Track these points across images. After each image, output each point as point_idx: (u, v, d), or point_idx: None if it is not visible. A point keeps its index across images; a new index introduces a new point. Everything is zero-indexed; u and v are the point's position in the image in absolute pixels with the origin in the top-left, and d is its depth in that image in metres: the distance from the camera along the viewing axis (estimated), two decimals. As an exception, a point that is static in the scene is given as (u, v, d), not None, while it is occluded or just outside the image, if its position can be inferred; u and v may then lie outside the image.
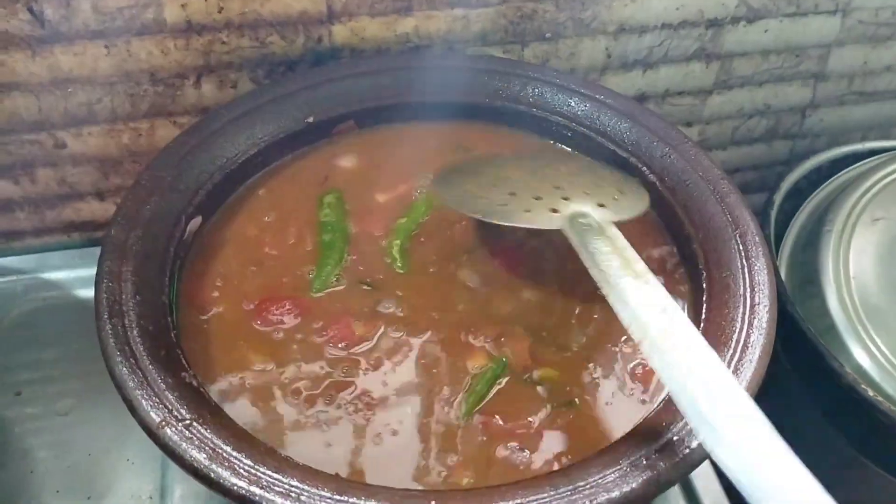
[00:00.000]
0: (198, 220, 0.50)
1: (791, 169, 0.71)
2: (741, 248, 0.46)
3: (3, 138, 0.60)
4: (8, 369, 0.59)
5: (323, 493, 0.35)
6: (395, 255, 0.50)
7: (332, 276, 0.48)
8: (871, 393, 0.55)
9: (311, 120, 0.55)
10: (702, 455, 0.37)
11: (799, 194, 0.71)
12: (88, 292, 0.64)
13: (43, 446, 0.55)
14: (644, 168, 0.53)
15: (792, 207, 0.70)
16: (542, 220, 0.45)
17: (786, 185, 0.69)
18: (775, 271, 0.54)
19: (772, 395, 0.72)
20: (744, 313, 0.43)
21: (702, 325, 0.45)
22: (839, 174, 0.71)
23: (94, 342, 0.60)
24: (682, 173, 0.51)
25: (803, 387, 0.65)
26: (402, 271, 0.49)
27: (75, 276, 0.65)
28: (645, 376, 0.44)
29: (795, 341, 0.60)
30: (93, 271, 0.63)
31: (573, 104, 0.56)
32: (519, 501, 0.35)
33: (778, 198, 0.68)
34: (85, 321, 0.62)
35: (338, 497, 0.35)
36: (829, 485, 0.68)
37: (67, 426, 0.56)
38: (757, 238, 0.47)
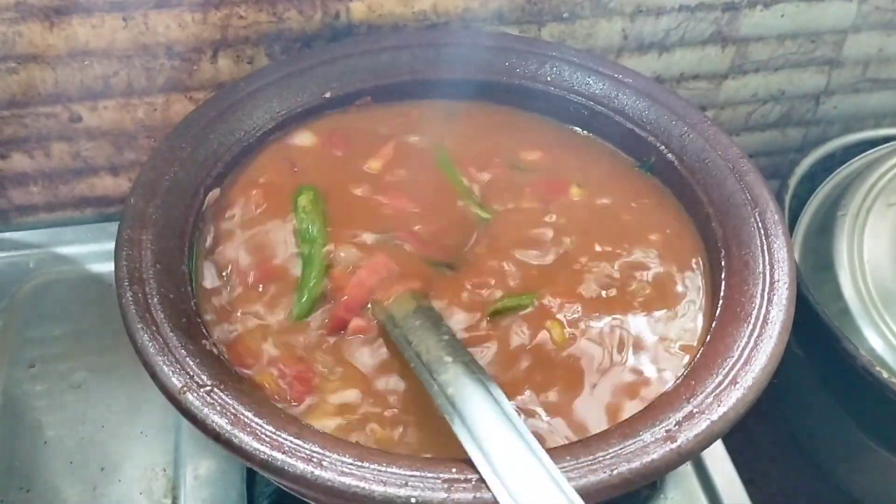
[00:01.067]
0: (216, 192, 0.50)
1: (805, 155, 0.71)
2: (760, 225, 0.46)
3: (20, 111, 0.60)
4: (21, 342, 0.59)
5: (345, 458, 0.35)
6: None
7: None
8: (885, 375, 0.55)
9: (328, 95, 0.55)
10: (723, 427, 0.37)
11: (812, 180, 0.71)
12: (101, 267, 0.65)
13: (56, 418, 0.55)
14: (662, 147, 0.53)
15: (805, 193, 0.70)
16: None
17: (800, 170, 0.69)
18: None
19: (783, 380, 0.72)
20: (763, 290, 0.43)
21: (720, 302, 0.45)
22: (853, 160, 0.71)
23: (107, 316, 0.60)
24: (701, 152, 0.51)
25: (815, 372, 0.65)
26: None
27: (88, 251, 0.65)
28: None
29: (808, 325, 0.60)
30: (106, 247, 0.63)
31: (591, 83, 0.56)
32: (540, 470, 0.35)
33: (792, 182, 0.68)
34: (98, 295, 0.63)
35: (359, 463, 0.35)
36: (840, 469, 0.69)
37: (80, 399, 0.56)
38: (776, 216, 0.47)
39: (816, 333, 0.59)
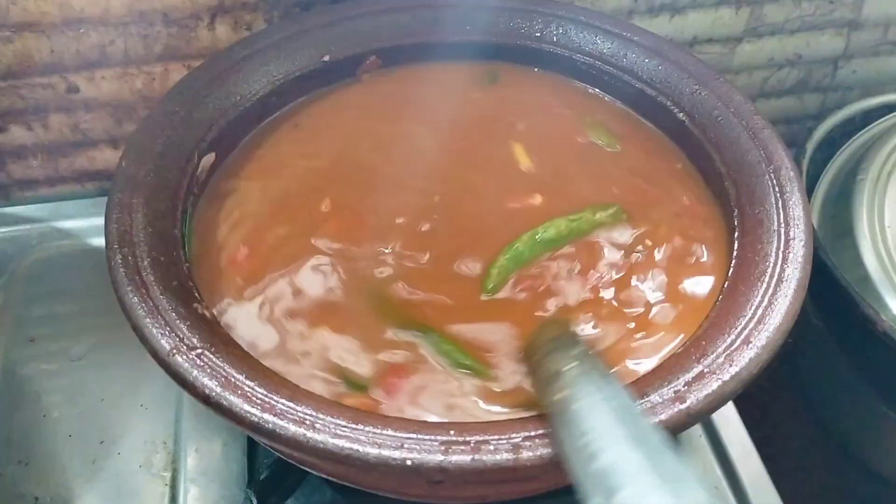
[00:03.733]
0: (211, 156, 0.48)
1: (823, 119, 0.69)
2: (775, 183, 0.44)
3: (16, 81, 0.59)
4: (21, 317, 0.59)
5: (338, 421, 0.34)
6: None
7: None
8: (907, 341, 0.53)
9: (326, 59, 0.54)
10: (735, 387, 0.35)
11: (831, 146, 0.69)
12: (102, 241, 0.63)
13: (56, 391, 0.54)
14: (673, 107, 0.51)
15: (823, 160, 0.68)
16: None
17: (818, 134, 0.67)
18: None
19: (801, 353, 0.71)
20: (778, 248, 0.41)
21: (733, 262, 0.43)
22: (873, 124, 0.68)
23: (107, 290, 0.59)
24: (714, 110, 0.49)
25: (835, 342, 0.63)
26: None
27: (89, 224, 0.64)
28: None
29: (827, 293, 0.58)
30: (107, 221, 0.63)
31: (599, 42, 0.54)
32: (540, 431, 0.34)
33: (810, 146, 0.65)
34: (99, 269, 0.61)
35: (353, 426, 0.34)
36: (858, 441, 0.67)
37: (80, 372, 0.55)
38: (792, 173, 0.45)
39: (836, 301, 0.57)
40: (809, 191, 0.65)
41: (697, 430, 0.53)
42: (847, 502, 0.67)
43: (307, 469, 0.41)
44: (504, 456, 0.33)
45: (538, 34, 0.55)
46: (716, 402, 0.35)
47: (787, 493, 0.51)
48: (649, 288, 0.43)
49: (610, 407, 0.31)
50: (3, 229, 0.64)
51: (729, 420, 0.53)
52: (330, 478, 0.41)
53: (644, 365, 0.40)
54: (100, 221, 0.63)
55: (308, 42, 0.53)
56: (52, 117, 0.62)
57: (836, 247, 0.60)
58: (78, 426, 0.53)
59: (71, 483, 0.50)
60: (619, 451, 0.28)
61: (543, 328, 0.40)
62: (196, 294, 0.40)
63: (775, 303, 0.39)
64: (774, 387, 0.73)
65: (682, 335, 0.41)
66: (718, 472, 0.51)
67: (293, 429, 0.34)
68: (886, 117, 0.68)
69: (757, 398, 0.73)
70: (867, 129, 0.68)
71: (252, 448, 0.51)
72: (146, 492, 0.50)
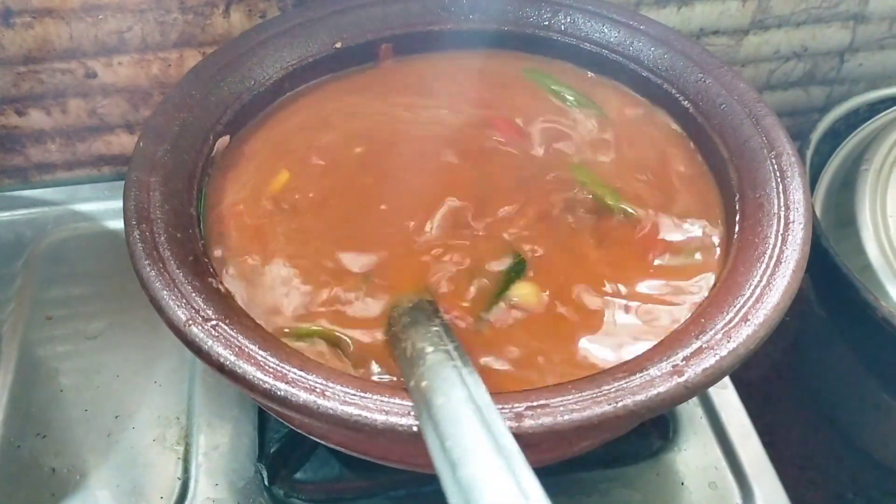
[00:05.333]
0: (225, 138, 0.50)
1: (828, 111, 0.69)
2: (776, 168, 0.45)
3: (36, 66, 0.61)
4: (39, 296, 0.60)
5: (347, 389, 0.35)
6: None
7: None
8: (907, 327, 0.54)
9: (338, 45, 0.55)
10: (732, 362, 0.36)
11: (835, 138, 0.69)
12: (119, 223, 0.64)
13: (72, 368, 0.56)
14: (678, 94, 0.52)
15: (828, 151, 0.69)
16: None
17: (823, 125, 0.68)
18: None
19: (804, 342, 0.71)
20: (777, 230, 0.42)
21: (734, 244, 0.44)
22: (878, 116, 0.69)
23: (122, 270, 0.60)
24: (718, 97, 0.50)
25: (837, 331, 0.64)
26: None
27: (105, 207, 0.66)
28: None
29: (829, 282, 0.58)
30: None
31: (606, 31, 0.55)
32: (543, 401, 0.35)
33: (815, 137, 0.66)
34: (114, 251, 0.63)
35: (362, 394, 0.35)
36: (860, 429, 0.67)
37: (96, 349, 0.57)
38: (793, 158, 0.45)
39: (837, 289, 0.58)
40: (813, 181, 0.66)
41: (698, 412, 0.54)
42: (848, 489, 0.68)
43: (316, 439, 0.42)
44: (507, 424, 0.34)
45: (546, 23, 0.56)
46: (713, 377, 0.36)
47: (788, 481, 0.51)
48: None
49: (472, 409, 0.32)
50: (21, 212, 0.66)
51: (728, 400, 0.54)
52: (338, 447, 0.42)
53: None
54: (116, 204, 0.65)
55: (320, 29, 0.55)
56: (70, 102, 0.64)
57: (838, 235, 0.61)
58: (94, 401, 0.54)
59: (87, 455, 0.51)
60: (481, 463, 0.29)
61: (401, 297, 0.41)
62: (210, 269, 0.42)
63: (773, 282, 0.40)
64: (777, 376, 0.74)
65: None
66: (718, 451, 0.52)
67: (304, 396, 0.35)
68: (891, 109, 0.69)
69: (759, 387, 0.74)
70: (872, 120, 0.69)
71: (262, 423, 0.52)
72: (159, 464, 0.51)
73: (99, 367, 0.56)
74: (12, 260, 0.62)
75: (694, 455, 0.52)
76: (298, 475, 0.50)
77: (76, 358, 0.56)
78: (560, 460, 0.43)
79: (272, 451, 0.50)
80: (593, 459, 0.50)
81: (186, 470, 0.51)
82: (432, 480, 0.48)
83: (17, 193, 0.67)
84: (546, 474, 0.49)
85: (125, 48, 0.61)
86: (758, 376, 0.75)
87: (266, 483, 0.49)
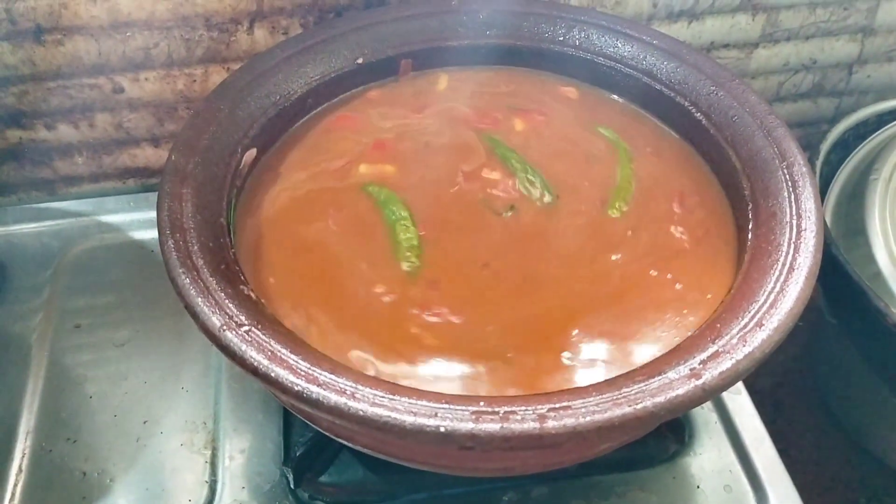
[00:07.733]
0: (252, 151, 0.51)
1: (837, 122, 0.71)
2: (788, 178, 0.47)
3: (65, 82, 0.63)
4: (67, 305, 0.62)
5: (377, 392, 0.36)
6: None
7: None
8: (916, 333, 0.55)
9: (360, 61, 0.57)
10: (748, 366, 0.38)
11: (845, 148, 0.71)
12: (144, 234, 0.67)
13: (100, 375, 0.57)
14: (690, 107, 0.53)
15: (837, 160, 0.70)
16: None
17: (832, 136, 0.69)
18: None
19: (816, 351, 0.72)
20: (790, 238, 0.43)
21: (748, 253, 0.45)
22: (887, 126, 0.70)
23: (148, 280, 0.63)
24: (729, 109, 0.51)
25: (849, 339, 0.65)
26: None
27: (130, 219, 0.68)
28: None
29: (840, 290, 0.60)
30: (147, 215, 0.66)
31: (619, 45, 0.56)
32: (564, 404, 0.36)
33: (824, 147, 0.67)
34: (140, 261, 0.65)
35: (391, 396, 0.36)
36: (871, 436, 0.68)
37: (124, 357, 0.59)
38: (804, 168, 0.47)
39: (848, 297, 0.59)
40: (823, 191, 0.67)
41: (713, 417, 0.55)
42: (860, 494, 0.69)
43: (343, 441, 0.44)
44: (530, 425, 0.35)
45: (561, 38, 0.58)
46: (729, 379, 0.37)
47: (801, 486, 0.52)
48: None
49: None
50: (48, 223, 0.68)
51: (742, 406, 0.55)
52: (364, 450, 0.43)
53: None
54: (141, 216, 0.68)
55: (342, 45, 0.56)
56: (97, 116, 0.66)
57: (848, 244, 0.62)
58: (122, 407, 0.56)
59: (116, 459, 0.53)
60: None
61: None
62: (242, 277, 0.43)
63: (787, 289, 0.41)
64: (789, 383, 0.75)
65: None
66: (733, 455, 0.53)
67: (335, 398, 0.36)
68: (899, 120, 0.70)
69: (772, 394, 0.75)
70: (880, 131, 0.70)
71: (287, 427, 0.53)
72: (187, 468, 0.52)
73: (126, 373, 0.57)
74: (41, 270, 0.64)
75: (709, 459, 0.53)
76: (323, 478, 0.51)
77: (104, 365, 0.58)
78: (579, 462, 0.44)
79: (297, 454, 0.51)
80: (611, 463, 0.51)
81: (213, 473, 0.52)
82: (454, 483, 0.50)
83: (44, 205, 0.69)
84: (564, 477, 0.51)
85: (151, 64, 0.63)
86: (770, 383, 0.76)
87: (292, 486, 0.51)
